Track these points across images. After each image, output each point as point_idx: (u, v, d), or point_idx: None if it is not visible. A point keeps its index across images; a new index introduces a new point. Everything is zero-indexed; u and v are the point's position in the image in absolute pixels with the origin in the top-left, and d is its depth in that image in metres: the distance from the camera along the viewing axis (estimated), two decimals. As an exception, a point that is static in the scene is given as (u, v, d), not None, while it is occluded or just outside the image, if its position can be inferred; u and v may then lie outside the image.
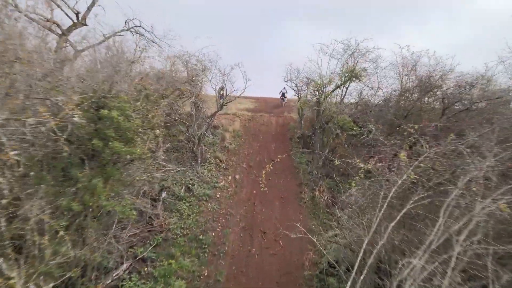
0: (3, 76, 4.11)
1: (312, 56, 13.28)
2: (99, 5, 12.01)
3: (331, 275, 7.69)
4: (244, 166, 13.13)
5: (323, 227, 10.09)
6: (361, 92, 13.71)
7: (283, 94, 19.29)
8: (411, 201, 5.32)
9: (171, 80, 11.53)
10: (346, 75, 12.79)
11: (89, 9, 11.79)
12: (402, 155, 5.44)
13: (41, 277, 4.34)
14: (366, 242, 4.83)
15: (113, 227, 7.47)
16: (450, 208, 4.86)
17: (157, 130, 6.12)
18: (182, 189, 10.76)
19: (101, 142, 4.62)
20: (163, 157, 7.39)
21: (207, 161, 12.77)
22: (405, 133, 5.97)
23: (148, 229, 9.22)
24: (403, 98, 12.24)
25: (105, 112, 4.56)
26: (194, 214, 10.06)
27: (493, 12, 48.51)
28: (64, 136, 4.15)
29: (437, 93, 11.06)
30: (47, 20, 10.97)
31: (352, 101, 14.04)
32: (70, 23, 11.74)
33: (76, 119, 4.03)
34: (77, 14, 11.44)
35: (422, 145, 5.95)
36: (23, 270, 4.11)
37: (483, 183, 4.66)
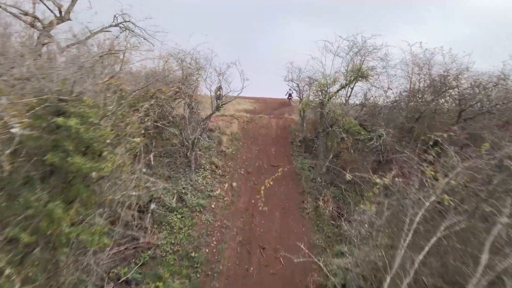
0: None
1: (313, 54, 12.29)
2: (84, -2, 11.07)
3: (339, 301, 6.77)
4: (242, 172, 12.20)
5: (328, 242, 9.19)
6: (366, 93, 12.80)
7: (289, 95, 18.64)
8: (442, 228, 4.36)
9: (162, 80, 10.62)
10: (352, 74, 11.86)
11: (73, 2, 10.84)
12: (430, 169, 4.51)
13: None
14: (388, 281, 3.88)
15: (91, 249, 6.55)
16: (492, 238, 3.91)
17: (137, 138, 5.17)
18: (174, 199, 9.84)
19: (58, 157, 3.70)
20: (144, 170, 6.46)
21: (202, 167, 11.84)
22: (429, 142, 5.01)
23: (134, 246, 8.29)
24: (414, 99, 11.29)
25: (60, 120, 3.64)
26: (186, 228, 9.14)
27: (487, 9, 47.77)
28: (7, 151, 3.24)
29: (452, 93, 10.12)
30: (26, 14, 10.04)
31: (357, 102, 13.12)
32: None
33: (16, 130, 3.13)
34: (59, 7, 10.49)
35: (449, 156, 5.01)
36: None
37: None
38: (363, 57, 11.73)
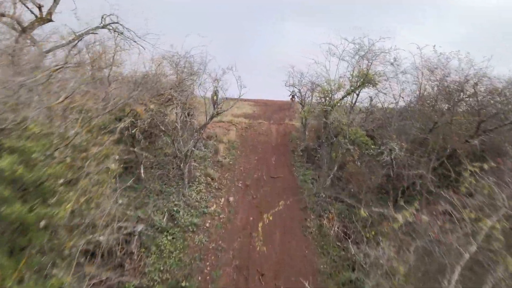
0: None
1: (312, 55, 11.44)
2: (68, -3, 10.22)
3: None
4: (240, 185, 11.33)
5: (334, 266, 8.31)
6: (372, 99, 11.92)
7: (293, 96, 17.99)
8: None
9: (152, 87, 9.75)
10: (358, 79, 10.98)
11: (55, 3, 9.96)
12: (468, 212, 3.63)
13: None
14: None
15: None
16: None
17: (112, 164, 4.30)
18: (164, 218, 8.97)
19: (-9, 206, 2.86)
20: (120, 202, 5.57)
21: (197, 180, 10.98)
22: (467, 175, 4.11)
23: (118, 274, 7.42)
24: (425, 106, 10.41)
25: (-10, 159, 2.79)
26: (177, 251, 8.27)
27: (481, 10, 46.88)
28: None
29: (470, 101, 9.23)
30: (2, 15, 9.17)
31: (363, 108, 12.24)
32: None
33: None
34: (39, 7, 9.60)
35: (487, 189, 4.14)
36: None
37: None
38: (370, 61, 10.86)
